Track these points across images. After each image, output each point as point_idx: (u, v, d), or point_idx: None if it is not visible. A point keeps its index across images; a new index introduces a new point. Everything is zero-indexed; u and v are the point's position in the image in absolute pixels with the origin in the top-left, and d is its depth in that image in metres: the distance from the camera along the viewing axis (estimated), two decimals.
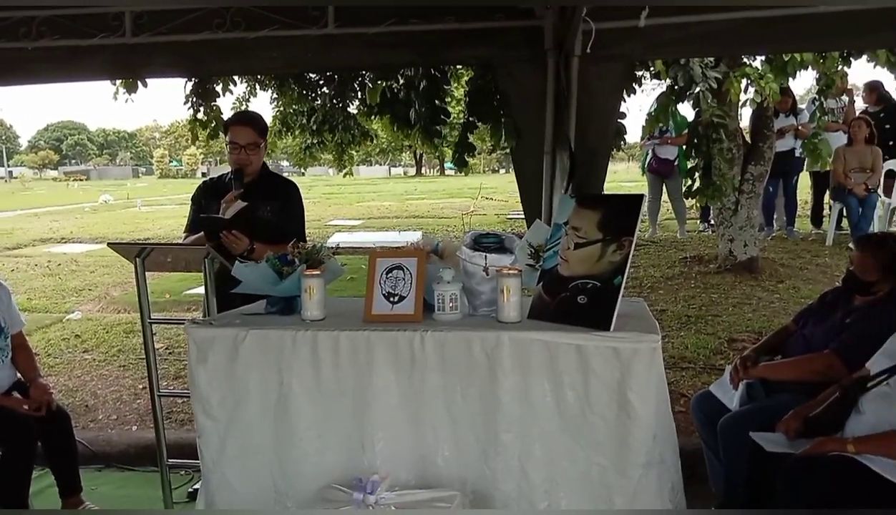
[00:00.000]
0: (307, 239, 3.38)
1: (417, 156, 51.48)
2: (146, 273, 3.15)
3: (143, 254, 3.09)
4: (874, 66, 5.29)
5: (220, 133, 5.78)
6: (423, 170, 56.13)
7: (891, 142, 8.71)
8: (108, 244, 3.28)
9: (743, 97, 6.06)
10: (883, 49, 5.02)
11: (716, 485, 3.15)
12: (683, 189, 7.57)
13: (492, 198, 16.25)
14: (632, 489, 2.40)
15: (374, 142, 9.47)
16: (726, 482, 2.99)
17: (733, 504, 2.93)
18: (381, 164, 61.96)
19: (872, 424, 2.46)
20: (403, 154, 52.79)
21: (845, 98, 9.42)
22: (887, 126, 8.78)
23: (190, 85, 5.61)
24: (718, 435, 2.97)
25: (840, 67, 6.11)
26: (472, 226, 10.94)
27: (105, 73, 4.25)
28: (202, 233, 3.42)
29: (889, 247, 2.97)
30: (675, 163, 9.65)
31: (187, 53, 3.76)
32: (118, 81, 5.48)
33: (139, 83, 4.97)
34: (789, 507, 2.40)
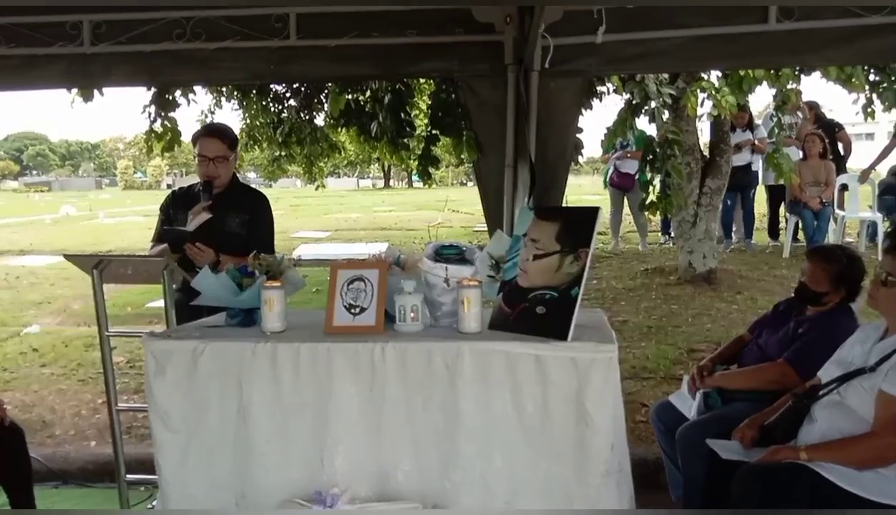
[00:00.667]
0: (275, 251, 3.36)
1: (386, 169, 51.45)
2: (106, 285, 3.10)
3: (100, 266, 3.05)
4: (826, 82, 5.45)
5: (177, 146, 5.70)
6: (391, 183, 56.13)
7: (830, 157, 9.00)
8: (65, 255, 3.23)
9: (700, 111, 6.18)
10: (835, 65, 5.17)
11: (675, 493, 3.20)
12: None
13: (458, 211, 16.28)
14: (592, 498, 2.41)
15: (342, 154, 9.46)
16: (685, 489, 3.03)
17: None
18: (349, 176, 61.80)
19: (824, 432, 2.52)
20: (372, 166, 52.72)
21: (800, 114, 9.67)
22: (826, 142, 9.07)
23: (149, 95, 5.54)
24: (677, 444, 3.01)
25: (793, 84, 6.27)
26: (440, 239, 10.96)
27: (63, 83, 4.19)
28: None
29: (839, 259, 3.05)
30: (636, 176, 9.79)
31: (147, 63, 3.72)
32: (75, 90, 5.41)
33: (95, 92, 4.90)
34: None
